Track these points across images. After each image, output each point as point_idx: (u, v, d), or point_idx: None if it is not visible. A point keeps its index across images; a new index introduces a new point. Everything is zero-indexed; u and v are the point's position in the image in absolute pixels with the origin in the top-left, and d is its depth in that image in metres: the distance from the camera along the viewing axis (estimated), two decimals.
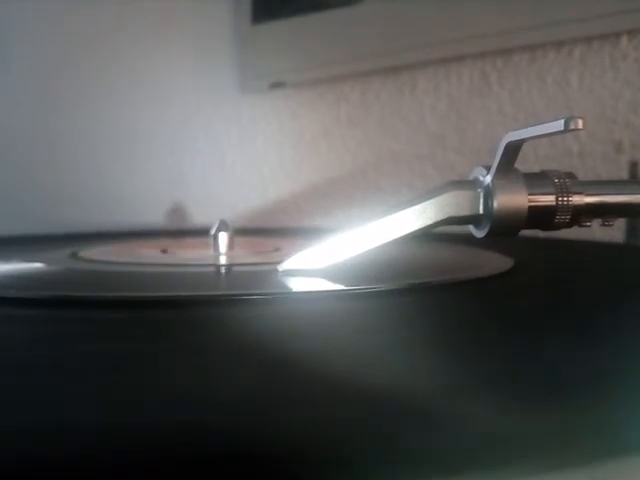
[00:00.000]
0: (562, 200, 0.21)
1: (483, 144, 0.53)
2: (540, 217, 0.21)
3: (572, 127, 0.17)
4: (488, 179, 0.21)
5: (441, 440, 0.09)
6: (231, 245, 0.31)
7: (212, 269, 0.29)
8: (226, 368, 0.13)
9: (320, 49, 0.59)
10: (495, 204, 0.21)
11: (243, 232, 0.38)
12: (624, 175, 0.45)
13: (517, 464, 0.08)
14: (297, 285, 0.22)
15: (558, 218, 0.21)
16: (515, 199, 0.21)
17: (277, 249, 0.33)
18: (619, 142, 0.47)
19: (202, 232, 0.34)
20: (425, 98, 0.56)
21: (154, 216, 0.69)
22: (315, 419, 0.10)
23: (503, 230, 0.21)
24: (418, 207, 0.21)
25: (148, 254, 0.33)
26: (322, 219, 0.60)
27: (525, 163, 0.41)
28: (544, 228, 0.22)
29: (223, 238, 0.31)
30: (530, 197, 0.21)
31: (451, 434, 0.09)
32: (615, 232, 0.42)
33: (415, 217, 0.21)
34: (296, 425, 0.10)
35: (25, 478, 0.08)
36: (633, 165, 0.44)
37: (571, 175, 0.22)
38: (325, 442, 0.09)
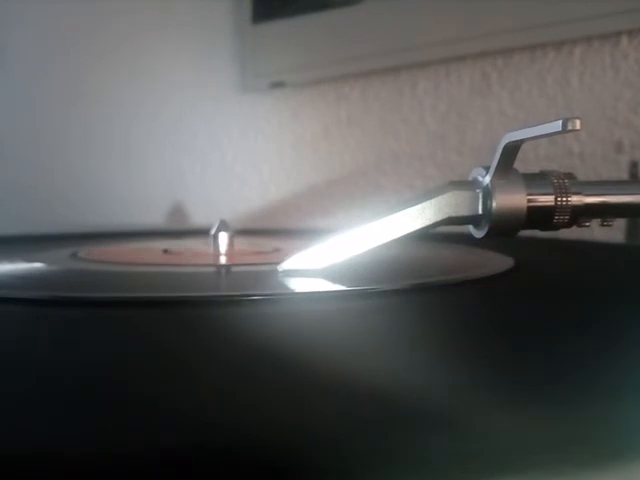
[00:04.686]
0: (561, 200, 0.21)
1: (483, 144, 0.53)
2: (539, 217, 0.21)
3: (570, 128, 0.17)
4: (487, 179, 0.21)
5: (441, 441, 0.09)
6: (231, 245, 0.31)
7: (212, 269, 0.29)
8: (226, 368, 0.13)
9: (320, 49, 0.59)
10: (494, 204, 0.21)
11: (243, 232, 0.38)
12: (624, 175, 0.45)
13: (517, 464, 0.09)
14: (297, 285, 0.22)
15: (557, 218, 0.21)
16: (514, 199, 0.21)
17: (277, 249, 0.33)
18: (619, 142, 0.47)
19: (202, 232, 0.34)
20: (425, 98, 0.56)
21: (154, 216, 0.69)
22: (315, 419, 0.10)
23: (502, 230, 0.21)
24: (417, 207, 0.21)
25: (148, 254, 0.33)
26: (322, 219, 0.60)
27: (525, 163, 0.41)
28: (543, 228, 0.22)
29: (223, 238, 0.31)
30: (529, 197, 0.21)
31: (451, 434, 0.09)
32: (615, 232, 0.42)
33: (414, 217, 0.21)
34: (296, 425, 0.10)
35: (24, 478, 0.08)
36: (633, 165, 0.44)
37: (570, 175, 0.22)
38: (325, 442, 0.09)
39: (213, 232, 0.31)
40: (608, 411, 0.10)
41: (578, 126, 0.17)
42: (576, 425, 0.10)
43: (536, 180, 0.21)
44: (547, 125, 0.18)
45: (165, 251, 0.33)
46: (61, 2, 0.72)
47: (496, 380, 0.12)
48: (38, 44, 0.73)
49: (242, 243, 0.34)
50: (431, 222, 0.21)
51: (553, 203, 0.21)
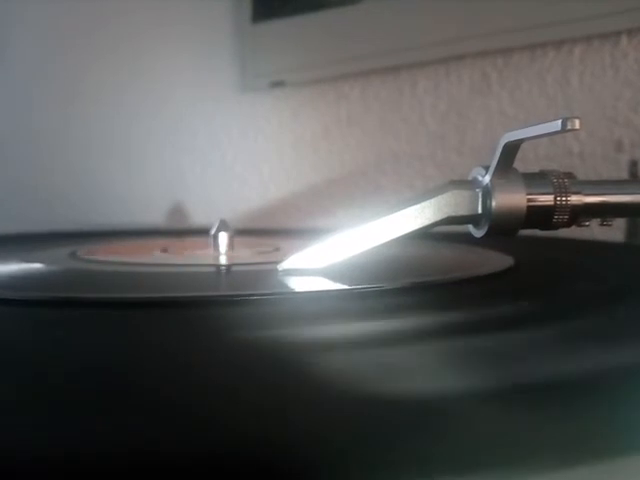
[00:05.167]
0: (560, 200, 0.21)
1: (483, 144, 0.53)
2: (539, 217, 0.21)
3: (569, 127, 0.17)
4: (487, 179, 0.21)
5: (441, 441, 0.09)
6: (231, 245, 0.31)
7: (212, 269, 0.29)
8: (226, 369, 0.13)
9: (320, 48, 0.59)
10: (493, 204, 0.21)
11: (243, 232, 0.38)
12: (624, 174, 0.45)
13: (517, 464, 0.09)
14: (297, 285, 0.22)
15: (556, 218, 0.21)
16: (513, 199, 0.21)
17: (277, 249, 0.33)
18: (619, 141, 0.47)
19: (202, 232, 0.34)
20: (425, 98, 0.56)
21: (154, 216, 0.69)
22: (315, 419, 0.10)
23: (502, 230, 0.21)
24: (417, 207, 0.21)
25: (148, 254, 0.33)
26: (322, 219, 0.60)
27: (525, 163, 0.41)
28: (543, 228, 0.22)
29: (223, 238, 0.31)
30: (528, 197, 0.21)
31: (451, 434, 0.09)
32: (615, 232, 0.42)
33: (414, 217, 0.21)
34: (296, 425, 0.10)
35: (23, 478, 0.08)
36: (633, 164, 0.44)
37: (570, 175, 0.22)
38: (325, 442, 0.09)
39: (213, 232, 0.31)
40: (608, 412, 0.10)
41: (577, 126, 0.18)
42: (576, 426, 0.10)
43: (536, 180, 0.21)
44: (546, 125, 0.18)
45: (165, 251, 0.33)
46: (61, 2, 0.72)
47: (496, 380, 0.12)
48: (38, 44, 0.73)
49: (242, 243, 0.34)
50: (431, 222, 0.21)
51: (553, 203, 0.21)
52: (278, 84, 0.62)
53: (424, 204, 0.21)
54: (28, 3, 0.72)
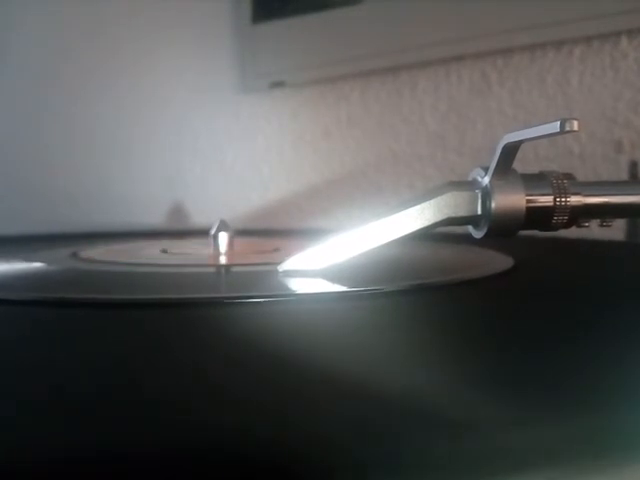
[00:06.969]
0: (560, 201, 0.21)
1: (483, 144, 0.53)
2: (538, 218, 0.21)
3: (568, 129, 0.17)
4: (486, 180, 0.21)
5: (441, 441, 0.09)
6: (231, 245, 0.31)
7: (212, 269, 0.29)
8: (226, 369, 0.13)
9: (320, 49, 0.59)
10: (493, 205, 0.21)
11: (243, 232, 0.38)
12: (624, 175, 0.45)
13: (517, 464, 0.09)
14: (297, 286, 0.22)
15: (556, 219, 0.21)
16: (513, 200, 0.21)
17: (277, 249, 0.33)
18: (619, 142, 0.47)
19: (202, 232, 0.34)
20: (425, 98, 0.56)
21: (154, 216, 0.69)
22: (315, 419, 0.10)
23: (501, 231, 0.21)
24: (417, 208, 0.21)
25: (148, 254, 0.33)
26: (322, 219, 0.60)
27: (525, 163, 0.41)
28: (542, 229, 0.22)
29: (223, 238, 0.31)
30: (528, 198, 0.21)
31: (451, 435, 0.09)
32: (615, 232, 0.42)
33: (414, 218, 0.21)
34: (296, 426, 0.10)
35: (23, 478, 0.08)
36: (633, 165, 0.44)
37: (569, 176, 0.22)
38: (325, 442, 0.09)
39: (213, 232, 0.31)
40: (609, 411, 0.10)
41: (576, 127, 0.18)
42: (576, 425, 0.10)
43: (535, 181, 0.21)
44: (545, 126, 0.18)
45: (165, 251, 0.33)
46: (62, 5, 0.72)
47: (496, 380, 0.12)
48: (40, 46, 0.73)
49: (242, 243, 0.34)
50: (430, 222, 0.21)
51: (552, 204, 0.21)
52: (278, 85, 0.62)
53: (424, 205, 0.21)
54: (29, 6, 0.72)
